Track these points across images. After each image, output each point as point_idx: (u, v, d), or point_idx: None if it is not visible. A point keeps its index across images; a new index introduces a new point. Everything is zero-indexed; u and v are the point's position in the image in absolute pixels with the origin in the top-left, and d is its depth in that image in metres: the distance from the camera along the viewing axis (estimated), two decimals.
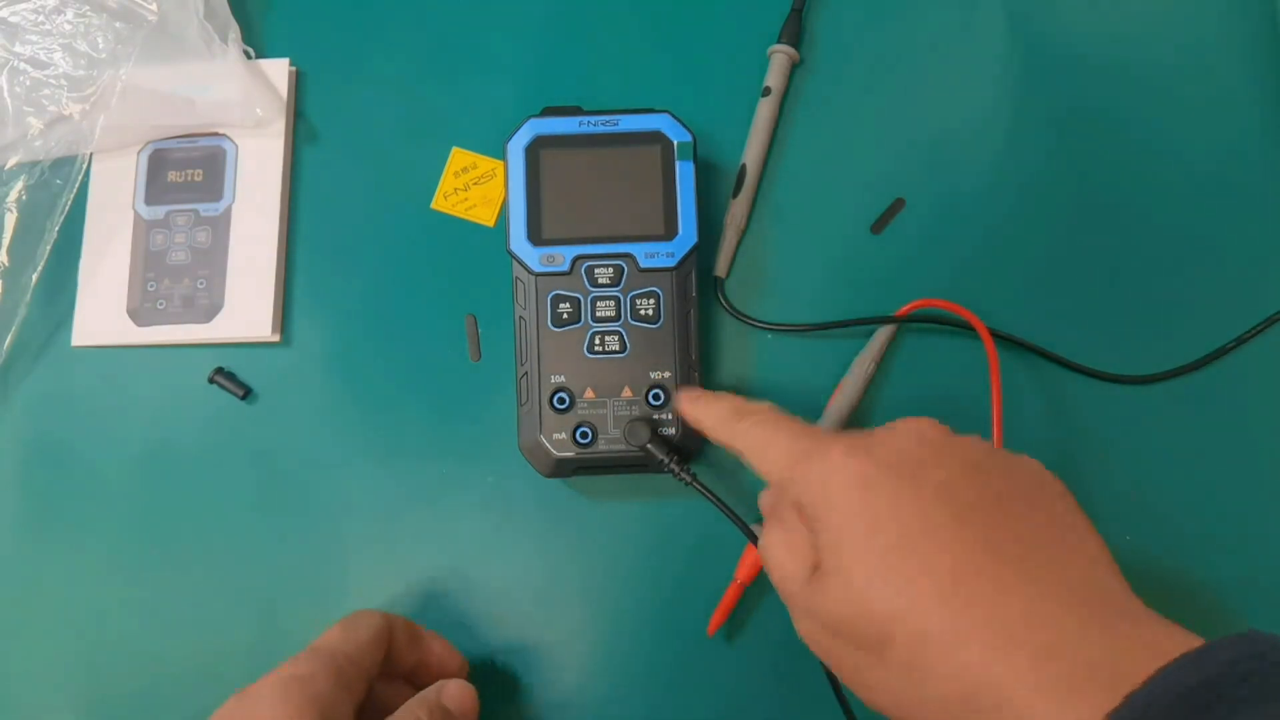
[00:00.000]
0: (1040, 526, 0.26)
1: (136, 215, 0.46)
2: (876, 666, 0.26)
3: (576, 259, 0.41)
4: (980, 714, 0.23)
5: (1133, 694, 0.21)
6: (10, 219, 0.45)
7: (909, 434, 0.29)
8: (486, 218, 0.47)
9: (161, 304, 0.45)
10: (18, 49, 0.45)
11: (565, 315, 0.41)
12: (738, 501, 0.41)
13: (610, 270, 0.41)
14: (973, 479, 0.27)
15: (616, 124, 0.41)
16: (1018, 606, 0.24)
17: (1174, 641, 0.22)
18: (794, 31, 0.47)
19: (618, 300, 0.41)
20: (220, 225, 0.46)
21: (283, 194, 0.47)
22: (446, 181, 0.47)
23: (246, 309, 0.45)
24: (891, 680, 0.26)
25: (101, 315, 0.45)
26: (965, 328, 0.43)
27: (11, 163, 0.45)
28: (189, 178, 0.46)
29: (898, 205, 0.46)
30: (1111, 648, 0.22)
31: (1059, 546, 0.26)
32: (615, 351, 0.40)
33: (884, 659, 0.26)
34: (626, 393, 0.40)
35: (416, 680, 0.38)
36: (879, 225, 0.46)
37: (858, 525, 0.27)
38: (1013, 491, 0.27)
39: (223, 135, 0.47)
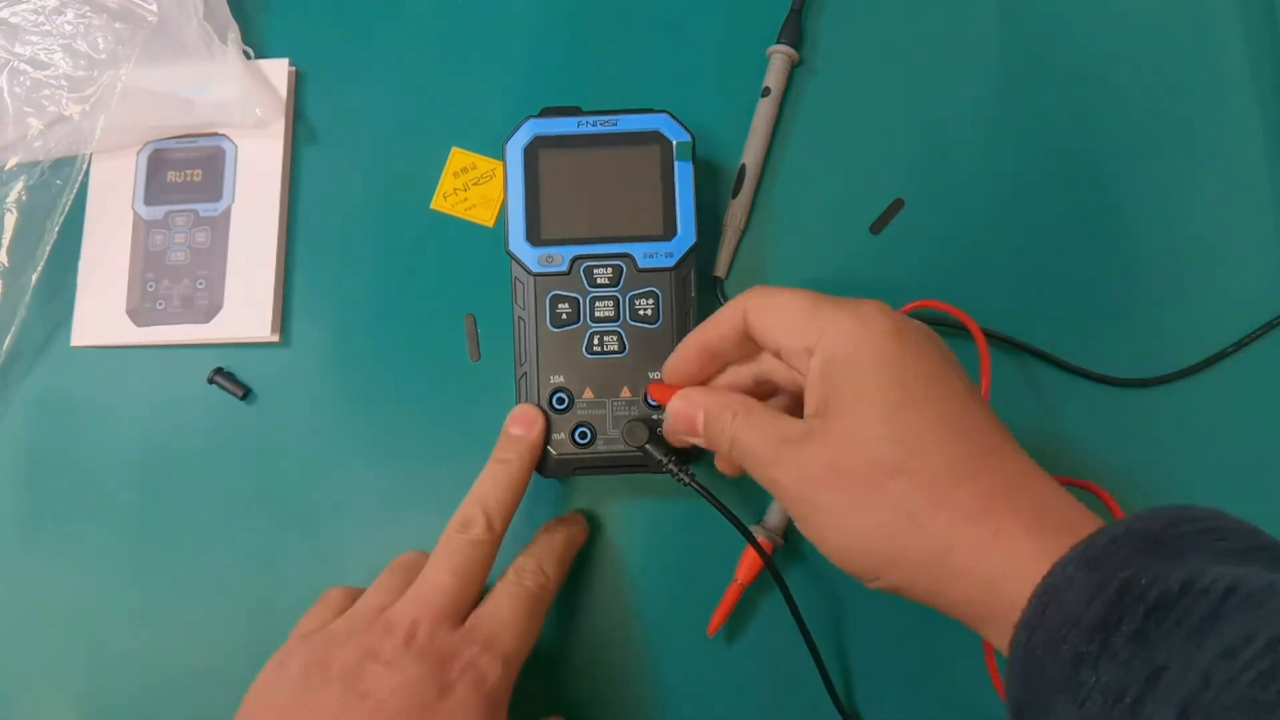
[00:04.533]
0: (987, 410, 0.31)
1: (136, 215, 0.46)
2: (861, 503, 0.29)
3: (575, 259, 0.41)
4: (948, 574, 0.28)
5: (1095, 533, 0.26)
6: (10, 219, 0.45)
7: (923, 325, 0.32)
8: (486, 218, 0.47)
9: (161, 304, 0.45)
10: (18, 49, 0.45)
11: (564, 315, 0.40)
12: (736, 502, 0.41)
13: (609, 270, 0.41)
14: (968, 381, 0.31)
15: (615, 124, 0.41)
16: (1007, 474, 0.29)
17: (1090, 513, 0.28)
18: (794, 31, 0.47)
19: (617, 300, 0.41)
20: (220, 225, 0.46)
21: (282, 194, 0.47)
22: (446, 182, 0.47)
23: (246, 309, 0.45)
24: (870, 523, 0.29)
25: (101, 315, 0.45)
26: (960, 329, 0.43)
27: (11, 163, 0.45)
28: (188, 178, 0.46)
29: (897, 205, 0.46)
30: (1066, 507, 0.28)
31: (999, 428, 0.30)
32: (614, 352, 0.40)
33: (875, 494, 0.29)
34: (625, 393, 0.40)
35: None
36: (878, 225, 0.46)
37: (886, 363, 0.30)
38: (974, 393, 0.31)
39: (222, 135, 0.47)
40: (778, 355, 0.33)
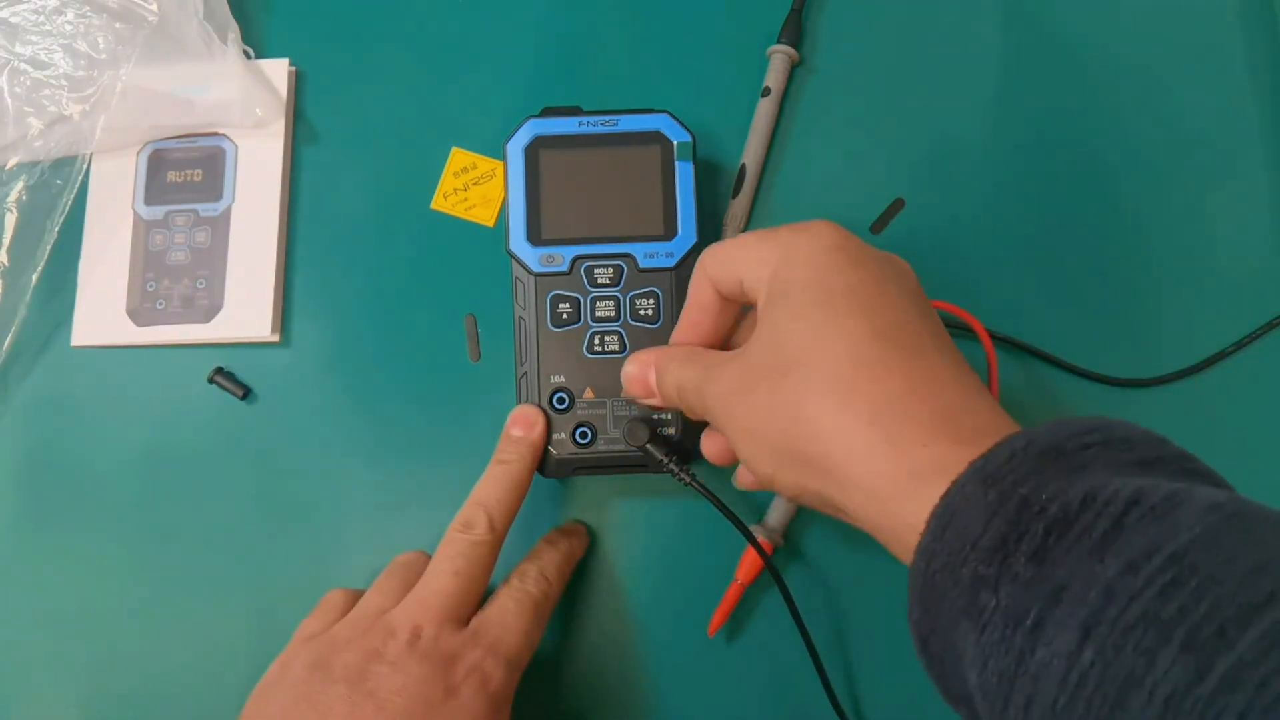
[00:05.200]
0: (950, 350, 0.29)
1: (136, 215, 0.46)
2: (768, 402, 0.28)
3: (576, 259, 0.41)
4: (838, 480, 0.27)
5: (995, 447, 0.24)
6: (10, 219, 0.45)
7: (885, 252, 0.32)
8: (486, 218, 0.47)
9: (161, 304, 0.45)
10: (18, 49, 0.45)
11: (565, 315, 0.40)
12: (737, 501, 0.41)
13: (610, 270, 0.41)
14: (923, 301, 0.31)
15: (616, 124, 0.41)
16: (921, 375, 0.27)
17: (1008, 422, 0.27)
18: (794, 31, 0.47)
19: (617, 300, 0.41)
20: (220, 225, 0.46)
21: (282, 194, 0.47)
22: (446, 181, 0.47)
23: (246, 309, 0.45)
24: (768, 421, 0.28)
25: (101, 315, 0.45)
26: (965, 329, 0.43)
27: (12, 163, 0.45)
28: (189, 178, 0.46)
29: (898, 205, 0.46)
30: (981, 416, 0.26)
31: (962, 364, 0.29)
32: (615, 351, 0.40)
33: (780, 392, 0.28)
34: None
35: None
36: (879, 225, 0.46)
37: (817, 272, 0.29)
38: (937, 322, 0.30)
39: (222, 135, 0.47)
40: (746, 298, 0.33)
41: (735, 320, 0.35)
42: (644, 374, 0.35)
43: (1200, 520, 0.21)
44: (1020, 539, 0.22)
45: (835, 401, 0.27)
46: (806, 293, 0.29)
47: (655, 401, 0.36)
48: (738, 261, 0.32)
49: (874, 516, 0.26)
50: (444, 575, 0.36)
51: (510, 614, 0.36)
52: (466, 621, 0.36)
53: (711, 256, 0.33)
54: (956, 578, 0.23)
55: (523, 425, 0.40)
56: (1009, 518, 0.23)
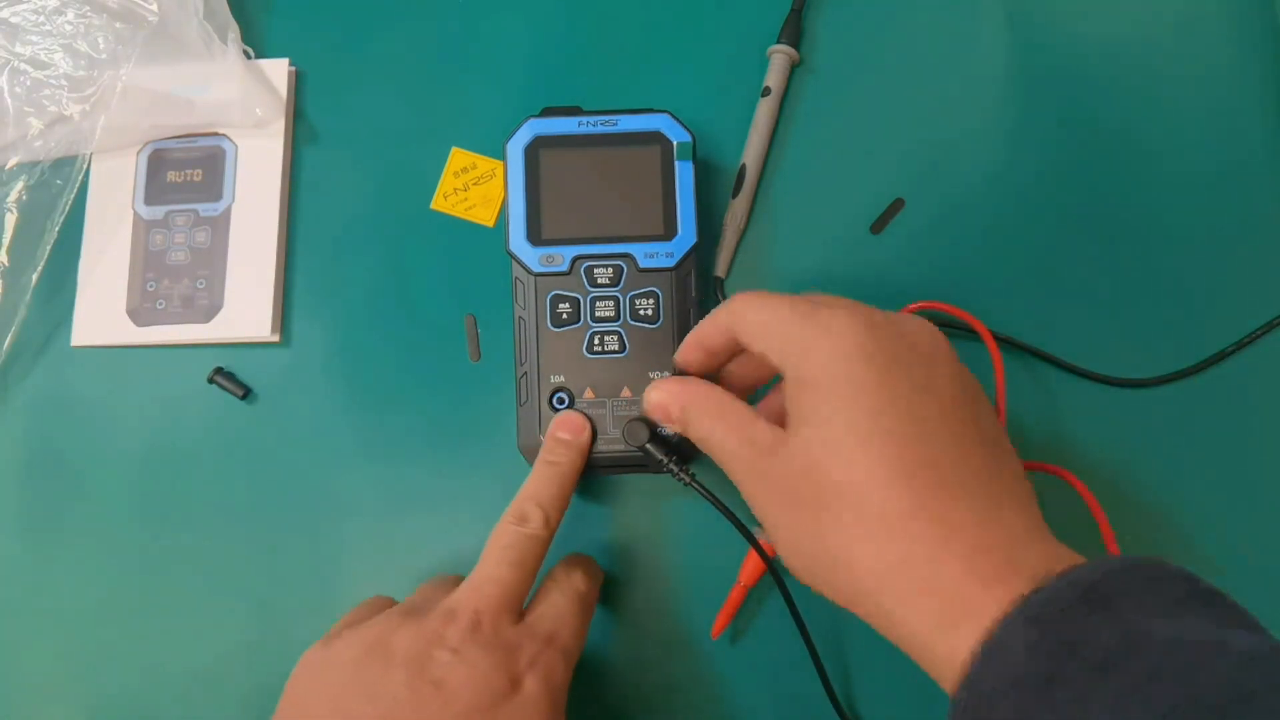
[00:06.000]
0: (990, 447, 0.30)
1: (136, 215, 0.46)
2: (808, 529, 0.30)
3: (576, 259, 0.41)
4: (878, 616, 0.28)
5: (1037, 590, 0.26)
6: (10, 219, 0.45)
7: (919, 329, 0.32)
8: (486, 218, 0.47)
9: (161, 304, 0.45)
10: (18, 49, 0.45)
11: (565, 315, 0.40)
12: (738, 503, 0.41)
13: (610, 270, 0.41)
14: (959, 394, 0.31)
15: (616, 124, 0.41)
16: (955, 512, 0.28)
17: (1062, 555, 0.28)
18: (794, 31, 0.47)
19: (617, 300, 0.40)
20: (220, 225, 0.46)
21: (282, 194, 0.47)
22: (446, 181, 0.47)
23: (246, 309, 0.45)
24: (807, 550, 0.30)
25: (101, 315, 0.45)
26: (965, 330, 0.43)
27: (12, 163, 0.45)
28: (189, 178, 0.46)
29: (898, 205, 0.46)
30: (1014, 548, 0.27)
31: (1001, 463, 0.30)
32: (615, 351, 0.40)
33: (818, 522, 0.29)
34: (626, 393, 0.40)
35: None
36: (879, 225, 0.46)
37: (845, 389, 0.29)
38: (974, 416, 0.31)
39: (222, 135, 0.47)
40: (761, 358, 0.33)
41: (735, 354, 0.36)
42: (668, 405, 0.35)
43: (1237, 670, 0.22)
44: (1061, 680, 0.24)
45: (870, 545, 0.28)
46: (837, 415, 0.29)
47: (675, 427, 0.36)
48: (763, 340, 0.32)
49: (912, 649, 0.28)
50: (501, 565, 0.35)
51: (563, 609, 0.36)
52: (520, 615, 0.35)
53: (740, 310, 0.33)
54: (997, 711, 0.24)
55: (570, 430, 0.39)
56: (1052, 654, 0.24)
